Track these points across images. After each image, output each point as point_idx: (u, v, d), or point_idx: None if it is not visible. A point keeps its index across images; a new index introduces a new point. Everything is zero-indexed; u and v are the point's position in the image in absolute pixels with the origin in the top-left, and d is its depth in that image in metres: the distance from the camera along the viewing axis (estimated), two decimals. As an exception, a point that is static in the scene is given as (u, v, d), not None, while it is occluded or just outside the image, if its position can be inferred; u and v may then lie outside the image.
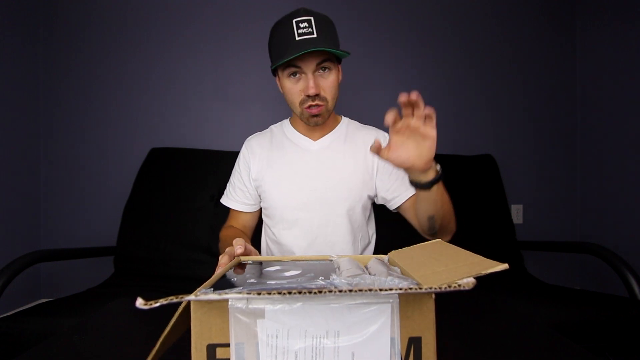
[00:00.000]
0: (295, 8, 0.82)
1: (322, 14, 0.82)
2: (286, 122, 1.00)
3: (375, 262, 0.47)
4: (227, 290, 0.30)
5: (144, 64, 1.80)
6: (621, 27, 1.73)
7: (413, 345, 0.31)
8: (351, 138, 0.94)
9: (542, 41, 1.95)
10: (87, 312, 0.95)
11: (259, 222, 1.01)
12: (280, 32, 0.80)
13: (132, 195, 1.58)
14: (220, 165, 1.60)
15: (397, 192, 0.88)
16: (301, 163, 0.91)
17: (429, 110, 0.60)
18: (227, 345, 0.30)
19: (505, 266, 0.31)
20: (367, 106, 1.85)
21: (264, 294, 0.28)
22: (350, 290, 0.29)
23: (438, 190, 0.70)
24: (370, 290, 0.28)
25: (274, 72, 0.90)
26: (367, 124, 1.01)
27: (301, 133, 0.95)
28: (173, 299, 0.28)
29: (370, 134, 0.95)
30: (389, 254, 0.52)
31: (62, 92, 1.77)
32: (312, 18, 0.78)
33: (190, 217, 1.54)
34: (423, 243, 0.51)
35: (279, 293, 0.28)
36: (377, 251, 0.97)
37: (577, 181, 1.95)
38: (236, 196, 0.98)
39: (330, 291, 0.28)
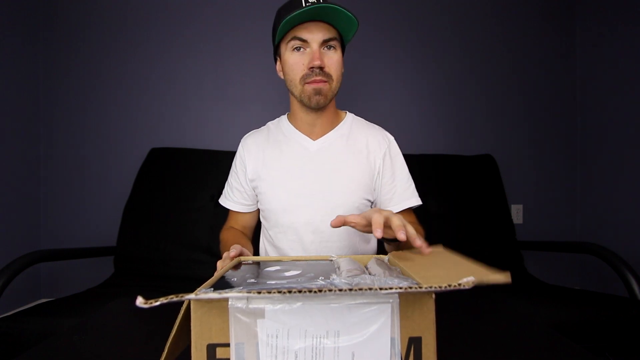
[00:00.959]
0: None
1: None
2: (284, 118, 0.96)
3: (375, 262, 0.47)
4: (227, 290, 0.30)
5: (144, 64, 1.80)
6: (621, 27, 1.73)
7: (413, 345, 0.31)
8: (354, 137, 0.90)
9: (542, 41, 1.95)
10: (87, 312, 0.95)
11: (259, 222, 1.00)
12: (287, 6, 0.78)
13: (132, 195, 1.58)
14: (220, 165, 1.59)
15: (393, 202, 0.87)
16: (299, 164, 0.87)
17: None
18: (227, 345, 0.30)
19: (507, 279, 0.31)
20: (367, 106, 1.85)
21: (264, 293, 0.28)
22: (350, 290, 0.29)
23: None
24: (370, 289, 0.28)
25: (275, 57, 0.88)
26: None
27: (300, 131, 0.90)
28: (173, 298, 0.28)
29: (375, 137, 0.91)
30: (389, 254, 0.52)
31: (62, 92, 1.77)
32: None
33: (190, 217, 1.54)
34: None
35: (279, 292, 0.28)
36: (377, 252, 0.96)
37: (577, 181, 1.95)
38: (234, 197, 0.95)
39: (330, 290, 0.28)
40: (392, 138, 0.94)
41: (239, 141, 0.98)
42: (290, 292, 0.28)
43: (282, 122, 0.95)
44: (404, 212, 0.87)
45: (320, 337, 0.30)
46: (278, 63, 0.89)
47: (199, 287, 0.35)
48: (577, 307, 1.06)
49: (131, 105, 1.80)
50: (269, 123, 0.99)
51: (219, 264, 0.59)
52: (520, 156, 1.92)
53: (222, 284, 0.38)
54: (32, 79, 1.73)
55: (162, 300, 0.27)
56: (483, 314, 0.59)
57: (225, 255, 0.59)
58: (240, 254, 0.59)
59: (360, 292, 0.29)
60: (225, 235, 0.92)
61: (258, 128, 1.01)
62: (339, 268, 0.45)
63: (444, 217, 1.58)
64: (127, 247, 1.50)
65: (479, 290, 0.40)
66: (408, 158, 0.95)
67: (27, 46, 1.69)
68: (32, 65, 1.72)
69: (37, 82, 1.75)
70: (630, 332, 1.00)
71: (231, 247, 0.59)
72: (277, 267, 0.47)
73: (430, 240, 0.52)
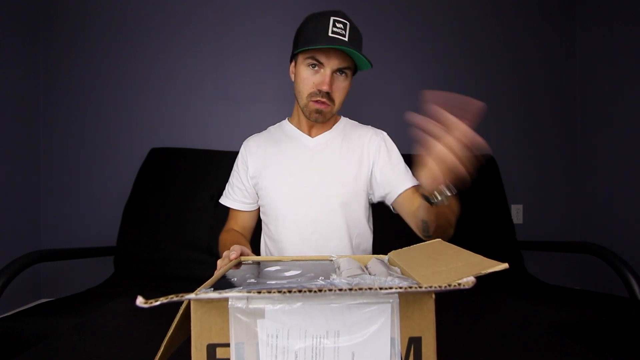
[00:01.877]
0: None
1: (356, 26, 0.86)
2: (284, 121, 1.02)
3: (375, 262, 0.47)
4: (227, 290, 0.30)
5: (144, 64, 1.80)
6: (621, 27, 1.73)
7: (413, 345, 0.31)
8: (348, 136, 0.96)
9: (542, 41, 1.95)
10: (87, 312, 0.95)
11: (259, 223, 1.02)
12: (315, 23, 0.83)
13: (132, 195, 1.58)
14: (220, 165, 1.60)
15: (390, 187, 0.89)
16: (298, 159, 0.93)
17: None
18: (227, 345, 0.30)
19: (505, 266, 0.31)
20: (366, 106, 1.85)
21: (264, 293, 0.28)
22: (350, 290, 0.29)
23: (444, 209, 0.67)
24: (370, 289, 0.28)
25: (291, 58, 0.92)
26: (366, 124, 1.02)
27: (300, 130, 0.96)
28: (173, 298, 0.28)
29: (367, 133, 0.96)
30: (389, 254, 0.52)
31: (62, 92, 1.77)
32: (348, 23, 0.82)
33: (190, 217, 1.54)
34: (423, 243, 0.51)
35: (279, 292, 0.28)
36: (376, 251, 0.97)
37: (577, 181, 1.95)
38: (234, 195, 0.99)
39: (330, 290, 0.28)
40: (385, 133, 0.99)
41: (240, 141, 1.03)
42: (290, 292, 0.28)
43: (283, 124, 1.02)
44: (404, 194, 0.87)
45: (320, 337, 0.30)
46: (292, 65, 0.93)
47: (199, 287, 0.35)
48: (577, 307, 1.06)
49: (131, 105, 1.80)
50: (270, 127, 1.05)
51: (219, 262, 0.60)
52: (520, 156, 1.92)
53: (222, 284, 0.38)
54: (32, 79, 1.73)
55: (162, 300, 0.27)
56: (483, 314, 0.59)
57: (225, 254, 0.60)
58: (241, 254, 0.60)
59: (360, 292, 0.29)
60: (224, 236, 0.94)
61: (258, 128, 1.05)
62: (339, 268, 0.45)
63: (444, 217, 1.57)
64: (127, 247, 1.50)
65: (479, 290, 0.40)
66: (407, 158, 0.95)
67: (27, 46, 1.69)
68: (32, 65, 1.72)
69: (37, 82, 1.75)
70: (630, 332, 1.00)
71: (231, 248, 0.60)
72: (277, 267, 0.47)
73: (430, 240, 0.52)
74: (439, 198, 0.62)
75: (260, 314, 0.30)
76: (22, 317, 0.96)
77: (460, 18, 1.91)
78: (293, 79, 0.92)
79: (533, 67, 1.94)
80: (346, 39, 0.81)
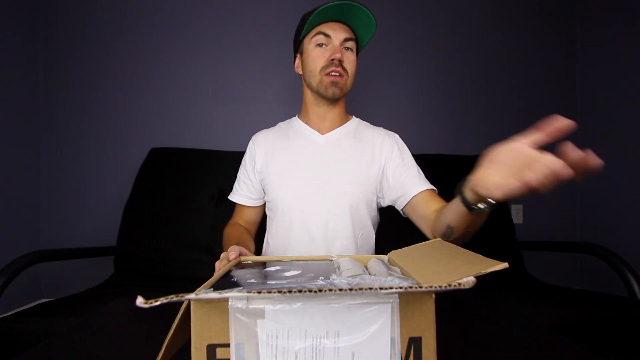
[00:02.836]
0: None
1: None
2: (294, 118, 1.01)
3: (375, 262, 0.47)
4: (227, 290, 0.30)
5: (144, 64, 1.80)
6: (621, 27, 1.73)
7: (413, 345, 0.31)
8: (360, 135, 0.94)
9: (541, 41, 1.94)
10: (87, 312, 0.95)
11: (263, 219, 1.01)
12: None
13: (132, 195, 1.58)
14: (220, 165, 1.60)
15: (403, 189, 0.86)
16: (307, 155, 0.91)
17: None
18: (227, 345, 0.30)
19: (505, 265, 0.31)
20: (366, 106, 1.85)
21: (264, 293, 0.28)
22: (350, 290, 0.29)
23: (479, 217, 0.62)
24: (370, 289, 0.28)
25: (295, 54, 0.94)
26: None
27: (310, 126, 0.95)
28: (173, 298, 0.28)
29: (379, 133, 0.95)
30: (389, 254, 0.52)
31: (62, 92, 1.77)
32: None
33: (190, 217, 1.54)
34: (423, 242, 0.51)
35: (279, 292, 0.28)
36: (377, 251, 0.96)
37: (577, 181, 1.95)
38: (241, 190, 0.98)
39: (330, 290, 0.28)
40: (397, 135, 0.98)
41: (240, 141, 1.01)
42: (290, 292, 0.28)
43: (293, 121, 1.01)
44: (431, 193, 0.85)
45: (320, 337, 0.30)
46: (297, 59, 0.95)
47: (199, 287, 0.35)
48: (577, 307, 1.06)
49: (131, 105, 1.80)
50: (280, 123, 1.04)
51: (217, 265, 0.60)
52: (520, 156, 1.92)
53: (222, 284, 0.38)
54: (32, 79, 1.73)
55: (162, 300, 0.27)
56: (483, 314, 0.59)
57: (223, 255, 0.60)
58: (240, 255, 0.59)
59: (360, 292, 0.29)
60: (228, 231, 0.94)
61: (258, 128, 1.05)
62: (339, 268, 0.45)
63: (444, 217, 1.57)
64: (127, 247, 1.50)
65: (479, 290, 0.40)
66: (417, 159, 0.96)
67: (27, 46, 1.69)
68: (32, 65, 1.72)
69: (37, 82, 1.75)
70: (630, 332, 1.00)
71: (230, 249, 0.59)
72: (277, 267, 0.47)
73: (430, 239, 0.51)
74: (482, 207, 0.57)
75: (260, 314, 0.30)
76: (22, 317, 0.96)
77: (459, 18, 1.91)
78: (300, 72, 0.93)
79: (533, 67, 1.94)
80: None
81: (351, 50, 0.89)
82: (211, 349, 0.30)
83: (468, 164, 1.69)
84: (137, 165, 1.66)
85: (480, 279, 0.30)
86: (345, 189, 0.88)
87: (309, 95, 0.94)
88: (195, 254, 1.50)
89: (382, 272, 0.42)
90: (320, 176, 0.89)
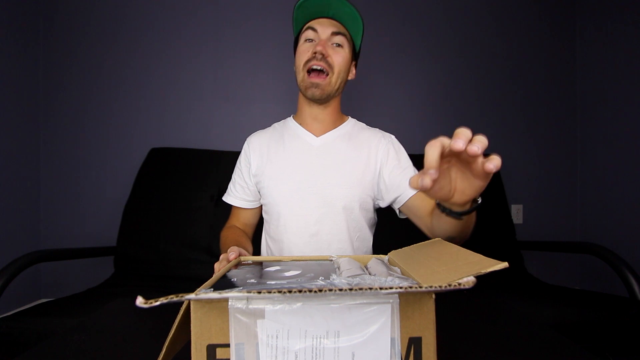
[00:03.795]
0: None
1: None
2: (289, 118, 1.00)
3: (375, 262, 0.47)
4: (227, 290, 0.30)
5: (143, 64, 1.81)
6: (621, 27, 1.73)
7: (413, 345, 0.31)
8: (355, 137, 0.93)
9: (542, 41, 1.95)
10: (87, 312, 0.95)
11: (261, 221, 1.01)
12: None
13: (132, 195, 1.59)
14: (220, 165, 1.60)
15: (401, 189, 0.85)
16: (301, 158, 0.90)
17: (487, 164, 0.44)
18: (227, 345, 0.30)
19: (505, 265, 0.31)
20: (366, 106, 1.85)
21: (264, 293, 0.28)
22: (350, 290, 0.29)
23: (469, 218, 0.61)
24: (370, 289, 0.28)
25: (295, 53, 0.94)
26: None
27: (304, 128, 0.94)
28: (173, 298, 0.28)
29: (375, 135, 0.94)
30: (389, 254, 0.52)
31: (62, 92, 1.77)
32: None
33: (190, 217, 1.54)
34: (423, 242, 0.51)
35: (279, 292, 0.28)
36: (376, 251, 0.96)
37: (577, 181, 1.95)
38: (236, 192, 0.97)
39: (330, 290, 0.28)
40: (393, 136, 0.97)
41: (240, 141, 1.01)
42: (290, 292, 0.28)
43: (288, 122, 0.99)
44: (414, 197, 0.84)
45: (320, 338, 0.30)
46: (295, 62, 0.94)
47: (199, 287, 0.35)
48: (577, 307, 1.06)
49: (131, 105, 1.80)
50: (275, 124, 1.02)
51: (217, 266, 0.60)
52: (520, 156, 1.92)
53: (222, 284, 0.38)
54: (32, 79, 1.73)
55: (162, 300, 0.27)
56: (483, 314, 0.59)
57: (222, 256, 0.60)
58: (240, 255, 0.59)
59: (360, 292, 0.29)
60: (225, 233, 0.93)
61: (258, 127, 1.03)
62: (339, 268, 0.45)
63: (444, 217, 1.57)
64: (127, 247, 1.50)
65: (479, 290, 0.40)
66: (413, 159, 0.95)
67: (27, 46, 1.69)
68: (32, 65, 1.72)
69: (37, 81, 1.75)
70: (630, 332, 1.00)
71: (229, 250, 0.59)
72: (277, 267, 0.47)
73: (430, 239, 0.51)
74: (462, 209, 0.55)
75: (260, 314, 0.30)
76: (22, 317, 0.96)
77: (460, 18, 1.91)
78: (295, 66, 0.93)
79: (533, 67, 1.94)
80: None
81: (341, 46, 0.87)
82: (211, 349, 0.30)
83: (468, 164, 1.71)
84: (137, 165, 1.66)
85: (480, 279, 0.30)
86: (340, 193, 0.87)
87: (301, 96, 0.92)
88: (195, 254, 1.50)
89: (382, 272, 0.42)
90: (315, 180, 0.88)
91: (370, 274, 0.41)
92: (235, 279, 0.42)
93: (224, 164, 1.58)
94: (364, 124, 0.99)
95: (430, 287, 0.29)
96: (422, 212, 0.81)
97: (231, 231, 0.93)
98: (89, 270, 1.65)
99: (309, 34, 0.87)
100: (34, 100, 1.73)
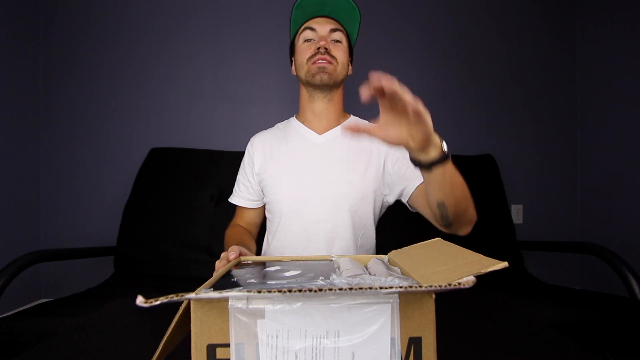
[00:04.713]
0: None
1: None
2: (292, 118, 1.01)
3: (375, 262, 0.47)
4: (227, 290, 0.30)
5: (143, 64, 1.80)
6: (621, 27, 1.73)
7: (413, 345, 0.31)
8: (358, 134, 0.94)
9: (542, 41, 1.95)
10: (87, 312, 0.95)
11: (265, 220, 1.01)
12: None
13: (132, 195, 1.59)
14: (220, 165, 1.60)
15: (407, 181, 0.84)
16: (304, 156, 0.91)
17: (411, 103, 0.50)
18: (227, 345, 0.30)
19: (505, 264, 0.31)
20: (366, 106, 1.85)
21: (264, 293, 0.28)
22: (350, 289, 0.29)
23: (445, 172, 0.61)
24: (370, 289, 0.28)
25: (291, 59, 0.96)
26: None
27: (307, 126, 0.95)
28: (173, 297, 0.28)
29: None
30: (389, 254, 0.52)
31: (62, 92, 1.77)
32: None
33: (190, 217, 1.54)
34: (423, 242, 0.51)
35: (279, 292, 0.28)
36: (377, 251, 0.96)
37: (577, 181, 1.94)
38: (240, 192, 0.98)
39: (330, 290, 0.28)
40: None
41: (240, 141, 1.01)
42: (290, 291, 0.28)
43: (290, 121, 1.00)
44: (419, 187, 0.84)
45: (320, 338, 0.30)
46: (293, 64, 0.95)
47: (199, 287, 0.35)
48: (577, 307, 1.06)
49: (131, 105, 1.80)
50: (278, 124, 1.03)
51: (217, 264, 0.60)
52: (520, 156, 1.92)
53: (222, 284, 0.38)
54: (32, 79, 1.73)
55: (162, 300, 0.27)
56: (483, 314, 0.59)
57: (223, 255, 0.60)
58: (240, 255, 0.59)
59: (360, 292, 0.29)
60: (229, 232, 0.94)
61: (259, 128, 1.04)
62: (339, 268, 0.45)
63: (444, 217, 1.57)
64: (127, 247, 1.50)
65: (479, 290, 0.40)
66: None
67: (27, 46, 1.69)
68: (32, 65, 1.72)
69: (37, 81, 1.75)
70: (630, 332, 1.00)
71: (230, 249, 0.59)
72: (277, 267, 0.47)
73: (430, 239, 0.51)
74: (428, 158, 0.58)
75: (260, 314, 0.30)
76: (22, 317, 0.96)
77: (460, 18, 1.91)
78: (295, 73, 0.94)
79: (533, 67, 1.94)
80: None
81: (339, 42, 0.90)
82: (211, 349, 0.30)
83: (468, 163, 1.71)
84: (137, 165, 1.66)
85: (480, 278, 0.30)
86: (343, 190, 0.87)
87: (304, 93, 0.94)
88: (195, 254, 1.50)
89: (382, 272, 0.42)
90: (318, 177, 0.88)
91: (370, 274, 0.41)
92: (235, 279, 0.42)
93: (224, 164, 1.58)
94: (366, 121, 0.98)
95: (430, 286, 0.29)
96: (425, 202, 0.79)
97: (235, 230, 0.94)
98: (89, 270, 1.65)
99: (307, 34, 0.89)
100: (34, 101, 1.73)
